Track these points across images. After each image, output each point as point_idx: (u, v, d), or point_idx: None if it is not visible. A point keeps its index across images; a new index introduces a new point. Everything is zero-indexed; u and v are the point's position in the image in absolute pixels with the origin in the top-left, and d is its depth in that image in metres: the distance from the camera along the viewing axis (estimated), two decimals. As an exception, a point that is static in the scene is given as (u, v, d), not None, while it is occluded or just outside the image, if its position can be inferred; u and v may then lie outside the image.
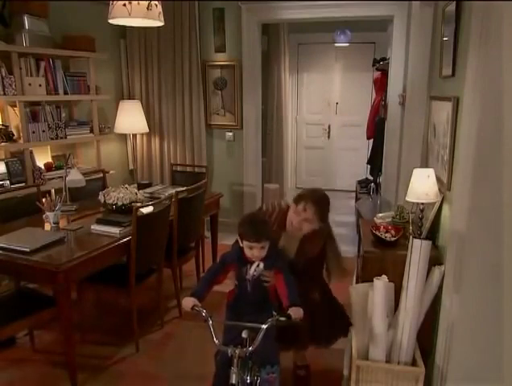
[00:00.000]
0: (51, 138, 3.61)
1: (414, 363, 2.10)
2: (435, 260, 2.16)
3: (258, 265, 1.87)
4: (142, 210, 2.66)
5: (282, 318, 1.68)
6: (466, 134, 1.86)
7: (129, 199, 2.86)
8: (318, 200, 2.13)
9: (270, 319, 1.67)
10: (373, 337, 2.10)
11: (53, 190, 3.58)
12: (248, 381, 1.73)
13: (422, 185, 2.22)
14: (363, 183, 5.57)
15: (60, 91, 3.66)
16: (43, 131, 3.53)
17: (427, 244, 2.05)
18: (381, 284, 2.05)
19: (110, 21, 2.50)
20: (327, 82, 6.68)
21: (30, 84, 3.36)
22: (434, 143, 2.59)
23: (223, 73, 4.54)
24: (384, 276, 2.14)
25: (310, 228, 2.11)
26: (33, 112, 3.49)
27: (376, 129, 4.88)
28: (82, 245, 2.47)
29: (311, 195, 2.13)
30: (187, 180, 3.80)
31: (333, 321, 2.30)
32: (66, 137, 3.73)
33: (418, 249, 2.04)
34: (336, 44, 5.92)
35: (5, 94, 3.19)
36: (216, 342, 1.65)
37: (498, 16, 1.64)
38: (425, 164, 2.82)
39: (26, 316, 2.32)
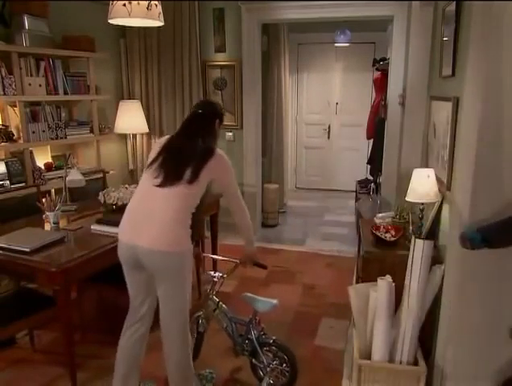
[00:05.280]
0: (51, 138, 3.61)
1: (415, 363, 2.10)
2: (435, 260, 2.16)
3: None
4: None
5: None
6: (466, 134, 1.86)
7: (129, 199, 2.84)
8: None
9: None
10: (375, 337, 2.10)
11: (53, 190, 3.58)
12: None
13: (422, 185, 2.22)
14: (363, 183, 5.57)
15: (60, 91, 3.66)
16: (43, 131, 3.52)
17: (429, 244, 2.05)
18: (385, 284, 2.05)
19: (110, 21, 2.50)
20: (327, 82, 6.68)
21: (30, 84, 3.36)
22: (434, 143, 2.59)
23: (223, 73, 4.55)
24: (388, 276, 2.14)
25: None
26: (33, 112, 3.49)
27: (376, 129, 4.88)
28: (82, 245, 2.47)
29: None
30: (187, 180, 3.79)
31: None
32: (66, 137, 3.73)
33: (420, 249, 2.04)
34: (336, 44, 5.93)
35: (5, 94, 3.19)
36: None
37: (498, 16, 1.64)
38: (425, 164, 2.82)
39: (26, 316, 2.32)
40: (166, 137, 2.14)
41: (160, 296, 2.01)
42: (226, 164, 2.05)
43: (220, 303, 2.39)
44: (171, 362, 2.09)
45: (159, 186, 1.93)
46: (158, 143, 2.12)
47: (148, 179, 1.98)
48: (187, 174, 1.92)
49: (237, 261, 2.33)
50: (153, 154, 2.07)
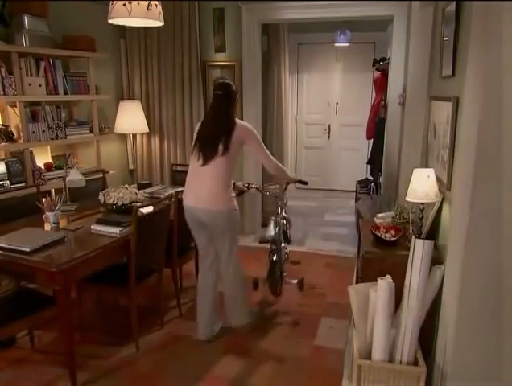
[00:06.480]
0: (51, 138, 3.61)
1: (415, 363, 2.10)
2: (435, 260, 2.16)
3: None
4: (142, 210, 2.66)
5: None
6: (466, 134, 1.86)
7: (129, 199, 2.86)
8: None
9: None
10: (375, 336, 2.10)
11: (53, 190, 3.58)
12: None
13: (422, 185, 2.22)
14: (363, 183, 5.57)
15: (60, 91, 3.66)
16: (43, 131, 3.52)
17: (429, 244, 2.04)
18: (385, 284, 2.05)
19: (110, 21, 2.50)
20: (327, 82, 6.68)
21: (30, 84, 3.36)
22: (434, 143, 2.59)
23: (223, 73, 4.54)
24: (388, 276, 2.13)
25: None
26: (33, 112, 3.49)
27: (376, 129, 4.88)
28: (82, 245, 2.47)
29: None
30: (187, 180, 3.80)
31: None
32: (66, 137, 3.73)
33: (420, 249, 2.04)
34: (336, 44, 5.92)
35: (5, 94, 3.19)
36: None
37: (498, 16, 1.64)
38: (425, 164, 2.82)
39: (26, 316, 2.32)
40: (200, 123, 2.72)
41: (217, 244, 2.73)
42: (247, 129, 2.63)
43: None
44: (227, 295, 2.87)
45: (202, 166, 2.57)
46: (196, 129, 2.72)
47: (193, 161, 2.63)
48: (220, 148, 2.53)
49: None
50: (194, 138, 2.70)
